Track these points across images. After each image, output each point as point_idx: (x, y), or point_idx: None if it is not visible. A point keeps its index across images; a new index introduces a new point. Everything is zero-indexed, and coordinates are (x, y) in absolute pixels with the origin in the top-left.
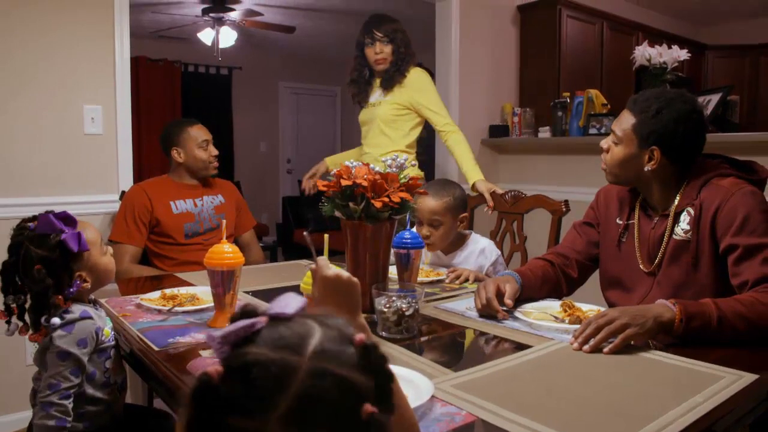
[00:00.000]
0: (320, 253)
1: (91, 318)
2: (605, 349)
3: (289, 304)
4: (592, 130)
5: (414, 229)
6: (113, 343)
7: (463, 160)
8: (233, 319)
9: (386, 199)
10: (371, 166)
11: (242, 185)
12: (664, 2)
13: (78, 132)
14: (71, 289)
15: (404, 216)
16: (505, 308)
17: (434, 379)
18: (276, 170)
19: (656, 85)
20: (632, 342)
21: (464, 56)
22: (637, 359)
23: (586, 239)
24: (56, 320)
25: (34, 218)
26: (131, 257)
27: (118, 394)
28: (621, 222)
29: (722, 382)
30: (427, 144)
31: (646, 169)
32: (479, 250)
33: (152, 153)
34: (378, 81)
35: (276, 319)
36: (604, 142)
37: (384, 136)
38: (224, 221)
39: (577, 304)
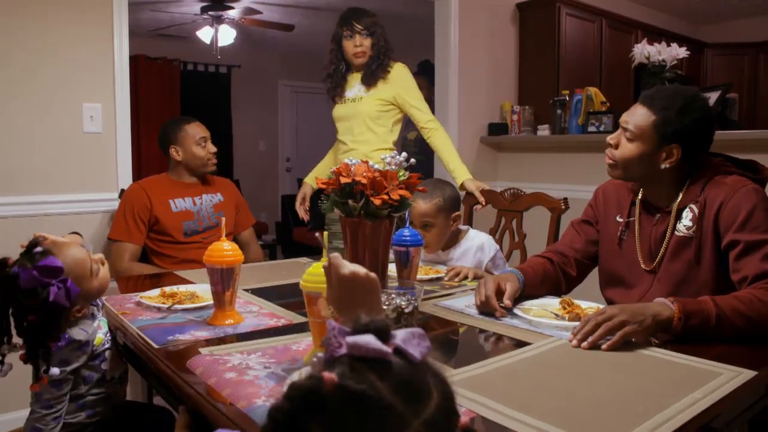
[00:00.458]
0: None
1: (77, 341)
2: (603, 346)
3: (418, 345)
4: (591, 128)
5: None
6: (107, 345)
7: (451, 159)
8: (359, 328)
9: (385, 197)
10: (370, 163)
11: (241, 184)
12: (663, 0)
13: (77, 130)
14: (61, 343)
15: (403, 213)
16: (504, 306)
17: None
18: (275, 169)
19: (655, 83)
20: (633, 339)
21: (463, 54)
22: (636, 356)
23: (585, 237)
24: (55, 371)
25: (28, 251)
26: (131, 255)
27: (119, 386)
28: (621, 220)
29: (721, 379)
30: (424, 144)
31: (662, 166)
32: (477, 246)
33: (151, 151)
34: (356, 75)
35: (401, 355)
36: (613, 138)
37: (371, 133)
38: (223, 219)
39: (577, 302)
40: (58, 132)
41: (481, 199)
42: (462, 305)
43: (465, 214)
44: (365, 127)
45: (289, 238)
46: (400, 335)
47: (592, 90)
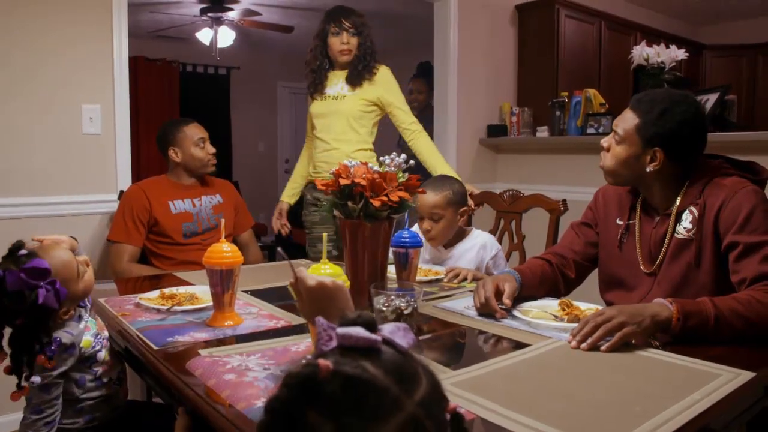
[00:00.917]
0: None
1: (63, 344)
2: (602, 347)
3: (404, 336)
4: (590, 130)
5: (415, 228)
6: (99, 347)
7: (437, 162)
8: (347, 322)
9: (385, 198)
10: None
11: (240, 185)
12: (662, 2)
13: (76, 132)
14: (52, 348)
15: (403, 215)
16: (503, 307)
17: None
18: (274, 170)
19: (654, 84)
20: (633, 341)
21: (462, 56)
22: (635, 357)
23: (584, 240)
24: (36, 379)
25: (12, 253)
26: (130, 257)
27: (118, 387)
28: (621, 222)
29: (720, 380)
30: None
31: (647, 169)
32: (480, 245)
33: (150, 153)
34: (338, 73)
35: (389, 345)
36: (605, 141)
37: (353, 132)
38: (223, 221)
39: (576, 303)
40: (57, 133)
41: (471, 203)
42: (461, 307)
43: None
44: (347, 126)
45: (288, 239)
46: (386, 328)
47: (591, 91)
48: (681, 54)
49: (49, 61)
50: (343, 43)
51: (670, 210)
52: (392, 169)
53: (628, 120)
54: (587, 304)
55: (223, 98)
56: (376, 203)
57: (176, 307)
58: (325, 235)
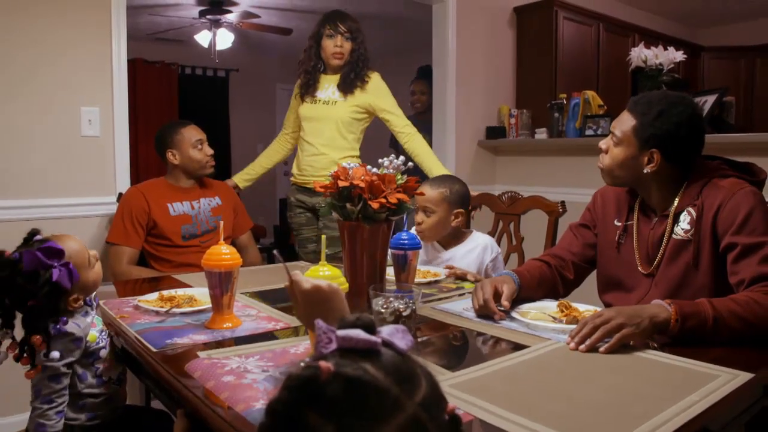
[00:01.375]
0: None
1: (71, 334)
2: (601, 349)
3: (403, 337)
4: (589, 132)
5: (413, 229)
6: (102, 344)
7: (432, 163)
8: (346, 325)
9: (383, 200)
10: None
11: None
12: (660, 4)
13: (75, 134)
14: (62, 322)
15: (401, 217)
16: (502, 309)
17: None
18: (273, 172)
19: (652, 86)
20: (631, 342)
21: (461, 58)
22: (634, 359)
23: (583, 241)
24: (56, 354)
25: (27, 241)
26: (129, 259)
27: (117, 387)
28: (619, 224)
29: (718, 381)
30: None
31: (645, 171)
32: (481, 247)
33: (149, 155)
34: (330, 78)
35: (388, 346)
36: (603, 143)
37: (342, 138)
38: (221, 223)
39: (574, 305)
40: (55, 135)
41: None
42: (460, 308)
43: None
44: (337, 132)
45: (287, 241)
46: (385, 330)
47: (590, 93)
48: (679, 56)
49: (48, 63)
50: (336, 46)
51: (668, 211)
52: (391, 171)
53: (625, 122)
54: (586, 306)
55: (221, 100)
56: (375, 205)
57: (175, 309)
58: (324, 237)
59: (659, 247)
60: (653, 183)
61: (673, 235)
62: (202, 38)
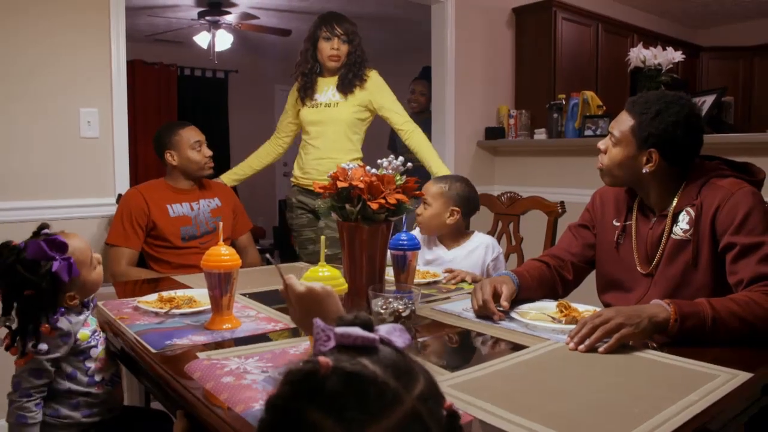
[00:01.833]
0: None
1: (59, 329)
2: (600, 349)
3: (400, 336)
4: (588, 132)
5: (414, 231)
6: (94, 344)
7: (431, 158)
8: (344, 323)
9: (383, 201)
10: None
11: (238, 188)
12: (659, 4)
13: (74, 135)
14: (56, 316)
15: (401, 218)
16: (501, 309)
17: None
18: (272, 173)
19: (651, 86)
20: (630, 342)
21: (460, 58)
22: (633, 359)
23: (582, 242)
24: (44, 346)
25: (36, 234)
26: (128, 260)
27: (111, 387)
28: (618, 224)
29: (717, 381)
30: None
31: (644, 170)
32: (483, 247)
33: (148, 156)
34: (328, 80)
35: (386, 344)
36: (602, 143)
37: (348, 141)
38: (221, 224)
39: (573, 305)
40: (55, 137)
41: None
42: (459, 309)
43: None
44: (342, 134)
45: (286, 242)
46: (383, 328)
47: (589, 94)
48: (678, 56)
49: (47, 64)
50: (333, 48)
51: (666, 211)
52: (390, 171)
53: (623, 122)
54: (585, 306)
55: (221, 101)
56: (374, 206)
57: (174, 311)
58: (323, 237)
59: (658, 247)
60: (652, 183)
61: (672, 235)
62: (201, 39)
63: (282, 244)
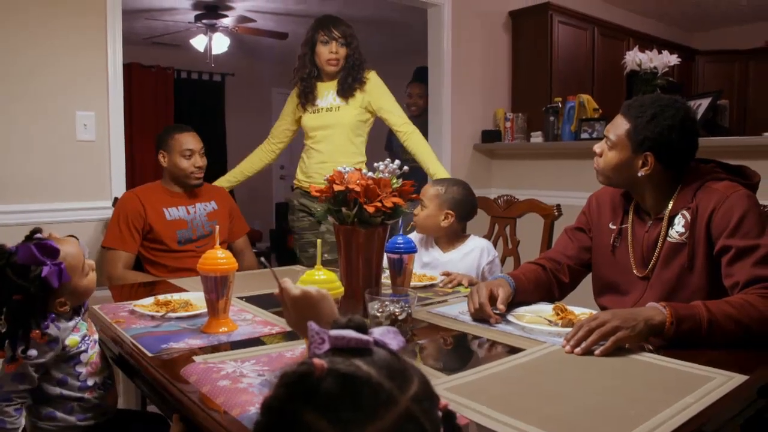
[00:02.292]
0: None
1: (47, 334)
2: (596, 352)
3: (393, 338)
4: (584, 135)
5: (410, 234)
6: (84, 348)
7: (429, 160)
8: (338, 326)
9: (379, 204)
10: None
11: (235, 191)
12: (655, 8)
13: (70, 138)
14: (46, 322)
15: (397, 221)
16: (497, 312)
17: None
18: (269, 176)
19: (647, 90)
20: (626, 345)
21: (456, 62)
22: (629, 361)
23: (578, 245)
24: (33, 352)
25: (28, 238)
26: (124, 263)
27: (104, 391)
28: (614, 227)
29: (713, 383)
30: None
31: (639, 174)
32: (478, 250)
33: (145, 159)
34: (327, 84)
35: (380, 346)
36: (598, 147)
37: (351, 144)
38: (217, 227)
39: (570, 308)
40: (51, 140)
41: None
42: (456, 312)
43: None
44: (345, 138)
45: (283, 245)
46: (377, 331)
47: (585, 97)
48: (673, 59)
49: (43, 67)
50: (331, 52)
51: (662, 214)
52: (386, 175)
53: (619, 126)
54: (581, 309)
55: (217, 105)
56: (370, 209)
57: (171, 314)
58: (319, 241)
59: (654, 250)
60: (647, 186)
61: (668, 238)
62: (198, 42)
63: (278, 247)
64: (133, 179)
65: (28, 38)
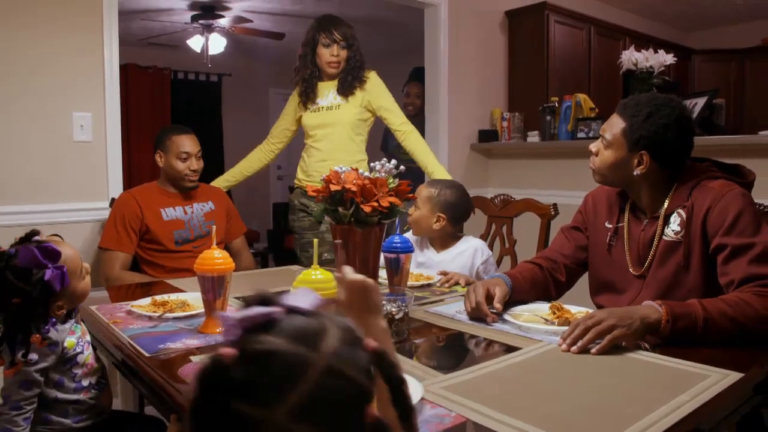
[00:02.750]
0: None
1: (48, 338)
2: (593, 350)
3: (305, 299)
4: (581, 134)
5: (407, 234)
6: (80, 350)
7: (428, 160)
8: (248, 303)
9: (375, 204)
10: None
11: (233, 192)
12: (651, 7)
13: (67, 139)
14: (47, 327)
15: (394, 221)
16: (494, 311)
17: (424, 381)
18: (267, 177)
19: (643, 89)
20: (623, 344)
21: (453, 62)
22: (625, 360)
23: (574, 244)
24: (34, 356)
25: (24, 240)
26: (121, 264)
27: (98, 391)
28: (610, 225)
29: (708, 381)
30: None
31: (635, 173)
32: (472, 250)
33: (142, 160)
34: (327, 84)
35: (292, 311)
36: (594, 146)
37: (352, 142)
38: (214, 227)
39: (566, 306)
40: (48, 141)
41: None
42: (453, 311)
43: None
44: (346, 136)
45: (280, 245)
46: (288, 296)
47: (581, 96)
48: (669, 59)
49: (40, 68)
50: (333, 55)
51: (658, 213)
52: (383, 174)
53: (614, 125)
54: (578, 308)
55: (214, 105)
56: (367, 209)
57: (168, 314)
58: (316, 240)
59: (650, 248)
60: (643, 185)
61: (664, 237)
62: (195, 43)
63: (276, 247)
64: (129, 180)
65: (25, 39)
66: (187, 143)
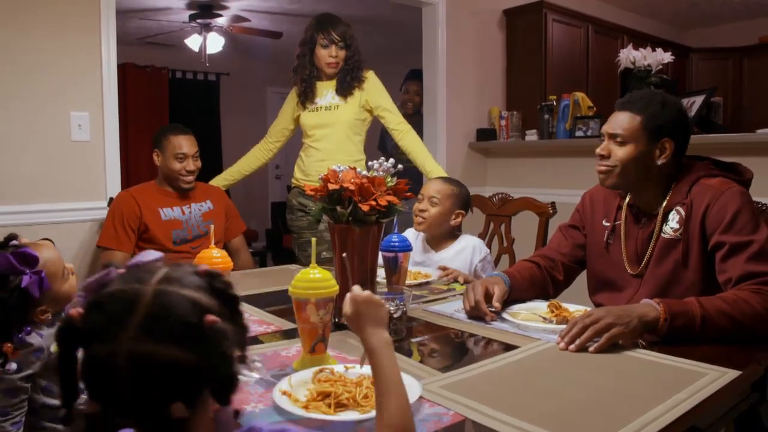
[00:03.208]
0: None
1: (30, 344)
2: (590, 349)
3: (146, 255)
4: (579, 133)
5: (405, 232)
6: None
7: (426, 159)
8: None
9: (373, 203)
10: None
11: (231, 191)
12: (649, 6)
13: (65, 139)
14: (20, 335)
15: (392, 219)
16: (493, 310)
17: (422, 379)
18: (265, 176)
19: (641, 87)
20: (620, 342)
21: (451, 60)
22: (623, 358)
23: (572, 242)
24: (12, 365)
25: (2, 246)
26: (120, 263)
27: None
28: (608, 224)
29: (706, 379)
30: None
31: (658, 162)
32: (470, 248)
33: (140, 159)
34: (326, 84)
35: (132, 267)
36: (602, 149)
37: (350, 142)
38: (212, 227)
39: (564, 305)
40: (46, 140)
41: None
42: (451, 310)
43: None
44: (344, 136)
45: (279, 245)
46: (136, 258)
47: (579, 95)
48: (667, 57)
49: (38, 68)
50: (331, 56)
51: (656, 210)
52: (380, 173)
53: (626, 121)
54: (576, 306)
55: (212, 104)
56: (365, 208)
57: None
58: (314, 239)
59: (648, 246)
60: (656, 179)
61: (663, 234)
62: (193, 42)
63: (274, 246)
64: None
65: (23, 39)
66: (185, 143)
